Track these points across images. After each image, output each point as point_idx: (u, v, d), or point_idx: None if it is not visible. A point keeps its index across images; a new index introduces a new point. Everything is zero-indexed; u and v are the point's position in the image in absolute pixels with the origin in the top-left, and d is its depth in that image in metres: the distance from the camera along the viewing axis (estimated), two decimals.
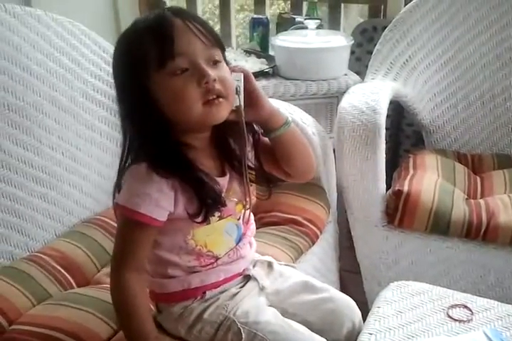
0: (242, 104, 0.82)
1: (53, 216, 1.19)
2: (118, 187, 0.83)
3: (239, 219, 0.91)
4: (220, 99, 0.78)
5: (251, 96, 0.83)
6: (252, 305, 0.89)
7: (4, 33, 1.13)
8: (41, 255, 1.10)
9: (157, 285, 0.88)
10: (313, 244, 1.25)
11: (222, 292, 0.89)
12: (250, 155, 0.90)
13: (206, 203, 0.81)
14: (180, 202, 0.80)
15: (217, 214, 0.84)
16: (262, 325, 0.86)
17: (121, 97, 0.81)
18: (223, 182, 0.86)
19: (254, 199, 0.92)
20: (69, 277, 1.08)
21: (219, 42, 0.80)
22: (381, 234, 1.38)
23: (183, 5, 2.20)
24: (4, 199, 1.10)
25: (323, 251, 1.34)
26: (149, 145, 0.79)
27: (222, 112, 0.79)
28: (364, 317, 0.98)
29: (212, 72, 0.77)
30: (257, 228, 1.21)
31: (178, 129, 0.81)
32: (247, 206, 0.89)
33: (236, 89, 0.81)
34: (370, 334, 0.91)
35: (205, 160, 0.84)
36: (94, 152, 1.30)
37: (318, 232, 1.26)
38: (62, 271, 1.08)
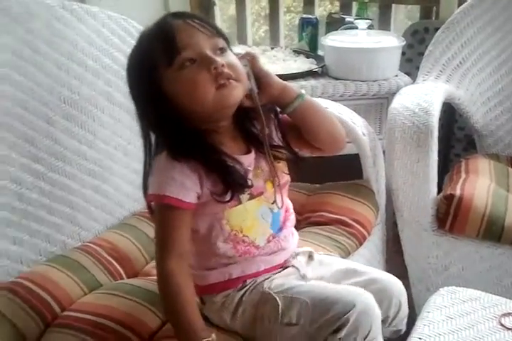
0: (255, 87, 0.85)
1: (105, 208, 1.22)
2: (145, 184, 0.87)
3: (273, 203, 0.91)
4: (231, 81, 0.81)
5: (259, 77, 0.86)
6: (287, 279, 0.90)
7: (62, 29, 1.16)
8: (93, 245, 1.12)
9: (199, 278, 0.88)
10: (361, 245, 1.23)
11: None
12: (275, 134, 0.93)
13: (230, 184, 0.83)
14: (205, 183, 0.83)
15: (246, 191, 0.86)
16: (296, 288, 0.86)
17: (137, 101, 0.86)
18: (249, 159, 0.88)
19: (285, 177, 0.93)
20: (119, 268, 1.10)
21: (221, 33, 0.84)
22: (431, 239, 1.34)
23: (233, 6, 2.22)
24: (59, 190, 1.12)
25: (370, 253, 1.32)
26: (167, 135, 0.83)
27: (235, 93, 0.82)
28: (410, 321, 0.96)
29: (219, 59, 0.80)
30: (302, 227, 1.22)
31: (199, 121, 0.84)
32: (277, 183, 0.90)
33: (246, 74, 0.84)
34: (420, 339, 0.90)
35: (228, 143, 0.87)
36: None
37: (365, 234, 1.24)
38: (113, 261, 1.10)
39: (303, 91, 0.90)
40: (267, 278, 0.90)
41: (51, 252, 1.10)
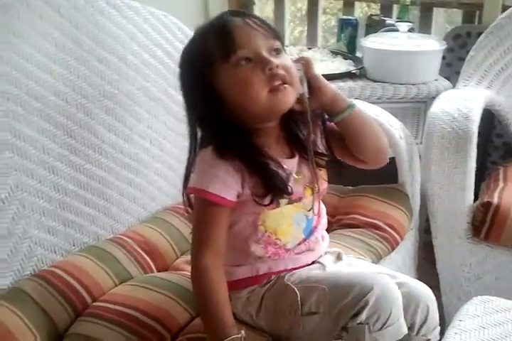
0: (306, 92, 0.84)
1: (138, 201, 1.22)
2: (187, 176, 0.88)
3: (309, 210, 0.90)
4: (286, 85, 0.80)
5: (312, 83, 0.85)
6: (308, 272, 0.89)
7: (104, 23, 1.17)
8: (125, 238, 1.13)
9: (227, 273, 0.88)
10: (393, 250, 1.21)
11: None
12: (320, 141, 0.92)
13: (271, 188, 0.83)
14: (247, 183, 0.83)
15: (286, 197, 0.85)
16: (314, 277, 0.86)
17: (187, 95, 0.86)
18: (292, 163, 0.88)
19: (324, 184, 0.92)
20: (150, 261, 1.11)
21: (277, 35, 0.84)
22: (465, 247, 1.32)
23: (271, 6, 2.22)
24: (94, 182, 1.13)
25: (402, 259, 1.30)
26: (215, 132, 0.83)
27: (288, 98, 0.82)
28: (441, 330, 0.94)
29: (274, 60, 0.80)
30: (334, 229, 1.21)
31: (247, 120, 0.84)
32: (316, 190, 0.90)
33: (299, 78, 0.83)
34: None
35: (273, 145, 0.87)
36: (180, 143, 1.31)
37: (398, 239, 1.22)
38: (144, 254, 1.11)
39: (354, 101, 0.89)
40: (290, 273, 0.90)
41: (84, 243, 1.11)
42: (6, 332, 0.87)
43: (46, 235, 1.05)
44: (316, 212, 0.91)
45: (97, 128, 1.14)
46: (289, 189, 0.84)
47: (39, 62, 1.04)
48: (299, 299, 0.84)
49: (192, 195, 0.88)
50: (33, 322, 0.91)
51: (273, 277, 0.89)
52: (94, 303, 0.96)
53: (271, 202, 0.84)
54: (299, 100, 0.84)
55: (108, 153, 1.16)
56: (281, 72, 0.80)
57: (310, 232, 0.91)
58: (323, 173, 0.92)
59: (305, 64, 0.85)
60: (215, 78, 0.81)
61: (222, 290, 0.82)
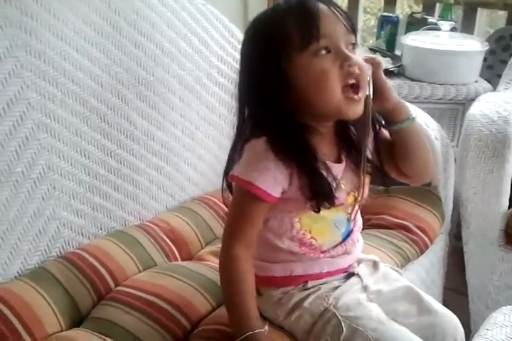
0: (371, 94, 0.80)
1: (167, 190, 1.22)
2: (231, 161, 0.83)
3: (350, 214, 0.88)
4: (359, 95, 0.77)
5: (378, 86, 0.81)
6: (354, 299, 0.86)
7: (143, 9, 1.16)
8: (152, 225, 1.13)
9: (260, 269, 0.86)
10: (422, 253, 1.18)
11: (323, 283, 0.87)
12: (370, 146, 0.88)
13: (317, 195, 0.80)
14: (294, 182, 0.80)
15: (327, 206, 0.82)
16: (364, 320, 0.82)
17: (250, 77, 0.81)
18: (339, 169, 0.84)
19: (366, 192, 0.89)
20: (174, 249, 1.10)
21: (355, 30, 0.80)
22: (497, 254, 1.28)
23: None
24: (124, 167, 1.13)
25: (431, 263, 1.27)
26: (274, 123, 0.79)
27: (360, 108, 0.79)
28: (466, 338, 0.92)
29: (353, 56, 0.76)
30: (363, 229, 1.18)
31: (307, 115, 0.80)
32: (359, 199, 0.86)
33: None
34: None
35: (324, 147, 0.83)
36: (211, 133, 1.31)
37: (428, 242, 1.19)
38: (169, 242, 1.10)
39: (414, 114, 0.86)
40: (332, 288, 0.86)
41: (111, 227, 1.11)
42: (31, 312, 0.88)
43: (74, 217, 1.05)
44: (353, 216, 0.89)
45: (130, 114, 1.14)
46: (335, 199, 0.81)
47: (76, 44, 1.04)
48: (342, 336, 0.81)
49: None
50: (56, 303, 0.92)
51: (310, 284, 0.86)
52: (116, 288, 0.96)
53: (314, 207, 0.81)
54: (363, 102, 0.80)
55: (140, 139, 1.16)
56: (357, 71, 0.76)
57: (347, 234, 0.89)
58: (367, 180, 0.88)
59: (375, 65, 0.80)
60: (289, 64, 0.76)
61: (250, 281, 0.81)
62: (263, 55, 0.78)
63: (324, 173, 0.80)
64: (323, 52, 0.76)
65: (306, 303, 0.85)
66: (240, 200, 0.81)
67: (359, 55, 0.79)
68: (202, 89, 1.29)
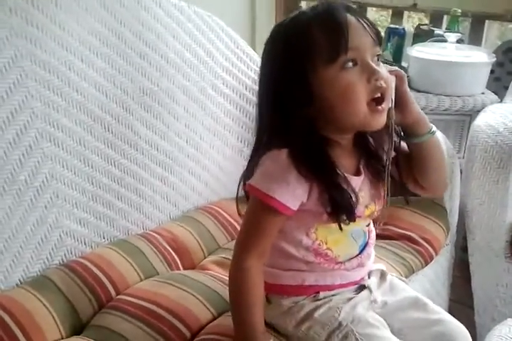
0: (393, 107, 0.79)
1: (170, 199, 1.22)
2: (250, 170, 0.81)
3: (368, 225, 0.88)
4: (383, 106, 0.76)
5: (401, 98, 0.80)
6: (368, 317, 0.85)
7: (149, 20, 1.18)
8: (155, 234, 1.13)
9: (271, 276, 0.85)
10: (426, 264, 1.17)
11: (335, 294, 0.86)
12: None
13: (338, 212, 0.78)
14: (313, 195, 0.78)
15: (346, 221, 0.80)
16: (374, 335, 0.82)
17: (274, 87, 0.79)
18: (358, 181, 0.83)
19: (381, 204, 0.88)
20: (177, 259, 1.10)
21: (381, 41, 0.78)
22: (502, 266, 1.26)
23: None
24: (128, 177, 1.14)
25: (435, 275, 1.26)
26: (294, 134, 0.77)
27: (384, 119, 0.78)
28: None
29: (380, 70, 0.75)
30: None
31: (328, 126, 0.79)
32: (377, 212, 0.86)
33: None
34: None
35: (344, 159, 0.82)
36: (216, 144, 1.32)
37: (433, 253, 1.18)
38: (172, 252, 1.11)
39: (434, 128, 0.85)
40: (344, 300, 0.85)
41: (114, 236, 1.12)
42: (31, 320, 0.88)
43: (77, 226, 1.06)
44: (370, 228, 0.89)
45: (134, 124, 1.15)
46: (355, 216, 0.80)
47: (81, 54, 1.05)
48: None
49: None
50: (57, 311, 0.92)
51: (321, 295, 0.85)
52: (117, 296, 0.97)
53: (333, 221, 0.80)
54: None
55: (144, 149, 1.17)
56: (384, 84, 0.75)
57: (363, 247, 0.88)
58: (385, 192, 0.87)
59: (399, 78, 0.79)
60: (314, 76, 0.75)
61: (260, 294, 0.80)
62: (287, 64, 0.76)
63: (345, 187, 0.78)
64: (350, 64, 0.74)
65: (316, 314, 0.84)
66: (256, 211, 0.79)
67: (384, 67, 0.78)
68: (207, 99, 1.30)
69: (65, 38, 1.03)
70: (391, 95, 0.77)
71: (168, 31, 1.22)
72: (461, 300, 1.42)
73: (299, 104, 0.76)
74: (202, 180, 1.30)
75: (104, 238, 1.10)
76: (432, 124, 0.85)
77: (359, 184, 0.82)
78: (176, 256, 1.10)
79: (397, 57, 1.77)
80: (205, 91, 1.29)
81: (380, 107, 0.76)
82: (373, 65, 0.75)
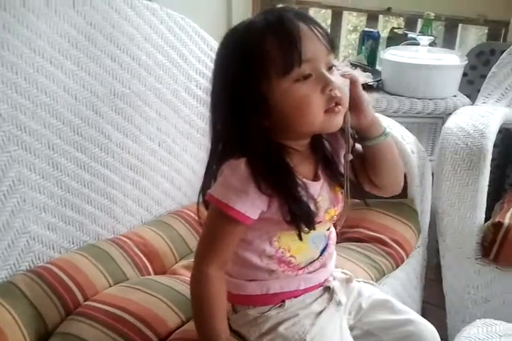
0: (348, 111, 0.79)
1: (142, 203, 1.21)
2: (208, 179, 0.81)
3: (328, 230, 0.88)
4: (340, 107, 0.76)
5: (355, 102, 0.80)
6: (332, 333, 0.85)
7: (120, 22, 1.17)
8: (125, 239, 1.12)
9: (234, 286, 0.85)
10: (397, 267, 1.18)
11: (302, 307, 0.85)
12: (342, 160, 0.87)
13: (297, 221, 0.78)
14: (273, 204, 0.78)
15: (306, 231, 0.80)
16: None
17: (228, 99, 0.77)
18: (317, 186, 0.82)
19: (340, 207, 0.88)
20: (147, 263, 1.10)
21: (335, 48, 0.77)
22: (473, 268, 1.28)
23: None
24: (99, 180, 1.12)
25: (407, 277, 1.26)
26: (251, 144, 0.76)
27: (341, 120, 0.78)
28: None
29: (334, 79, 0.75)
30: (338, 242, 1.17)
31: (284, 134, 0.79)
32: (337, 215, 0.86)
33: None
34: None
35: (302, 165, 0.82)
36: (189, 147, 1.31)
37: (404, 255, 1.19)
38: (142, 257, 1.10)
39: (388, 129, 0.85)
40: (310, 314, 0.85)
41: (84, 241, 1.11)
42: None
43: (45, 231, 1.04)
44: (330, 231, 0.89)
45: (104, 127, 1.14)
46: (314, 224, 0.80)
47: (50, 56, 1.04)
48: None
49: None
50: (22, 318, 0.90)
51: (287, 303, 0.84)
52: (85, 303, 0.95)
53: (293, 229, 0.79)
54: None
55: (114, 152, 1.16)
56: (338, 94, 0.75)
57: (324, 249, 0.88)
58: (343, 195, 0.87)
59: (353, 82, 0.79)
60: (269, 87, 0.74)
61: (222, 302, 0.79)
62: (240, 76, 0.75)
63: (303, 194, 0.78)
64: (303, 78, 0.73)
65: (281, 328, 0.83)
66: (216, 221, 0.79)
67: (337, 72, 0.78)
68: (179, 102, 1.29)
69: (34, 40, 1.02)
70: (346, 100, 0.78)
71: (139, 33, 1.21)
72: (437, 303, 1.43)
73: (255, 114, 0.75)
74: (175, 183, 1.29)
75: (73, 243, 1.09)
76: (385, 126, 0.85)
77: (318, 189, 0.82)
78: (146, 261, 1.09)
79: (371, 61, 1.78)
80: (178, 93, 1.29)
81: (336, 108, 0.76)
82: (327, 75, 0.74)
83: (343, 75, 0.79)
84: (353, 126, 0.82)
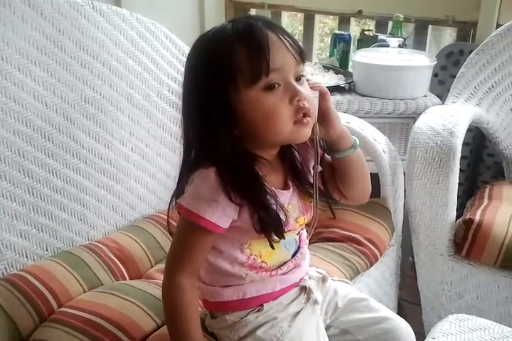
0: (317, 123, 0.80)
1: (116, 209, 1.22)
2: (180, 188, 0.80)
3: (298, 234, 0.89)
4: (308, 118, 0.76)
5: (324, 115, 0.81)
6: (309, 333, 0.86)
7: (89, 28, 1.17)
8: (100, 244, 1.12)
9: (210, 294, 0.85)
10: (371, 265, 1.20)
11: (280, 310, 0.86)
12: (311, 170, 0.87)
13: (267, 230, 0.79)
14: (244, 213, 0.78)
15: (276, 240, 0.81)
16: None
17: (197, 107, 0.77)
18: (287, 195, 0.83)
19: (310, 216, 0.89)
20: (123, 269, 1.09)
21: (304, 58, 0.78)
22: (446, 264, 1.30)
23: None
24: (71, 187, 1.12)
25: (382, 275, 1.28)
26: (220, 153, 0.76)
27: (309, 131, 0.78)
28: None
29: (302, 90, 0.75)
30: (313, 242, 1.19)
31: (253, 143, 0.79)
32: (306, 222, 0.87)
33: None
34: None
35: (272, 175, 0.82)
36: (162, 151, 1.31)
37: (378, 254, 1.20)
38: (117, 262, 1.09)
39: (357, 141, 0.86)
40: (287, 316, 0.86)
41: (58, 248, 1.10)
42: None
43: (18, 239, 1.04)
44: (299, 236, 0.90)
45: (76, 133, 1.14)
46: (284, 233, 0.80)
47: (18, 63, 1.04)
48: None
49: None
50: None
51: (265, 307, 0.85)
52: (59, 309, 0.95)
53: (266, 238, 0.80)
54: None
55: (87, 158, 1.16)
56: (307, 104, 0.75)
57: (296, 251, 0.89)
58: (312, 204, 0.87)
59: (322, 94, 0.80)
60: (237, 96, 0.74)
61: (194, 310, 0.79)
62: (208, 84, 0.75)
63: (273, 203, 0.79)
64: (271, 87, 0.74)
65: (259, 331, 0.84)
66: (186, 230, 0.78)
67: (306, 85, 0.78)
68: (152, 107, 1.30)
69: (1, 47, 1.02)
70: (315, 111, 0.78)
71: (109, 39, 1.21)
72: (415, 301, 1.45)
73: (223, 123, 0.75)
74: (149, 188, 1.29)
75: (47, 250, 1.08)
76: (354, 138, 0.86)
77: (288, 198, 0.83)
78: (121, 266, 1.09)
79: (343, 63, 1.80)
80: (149, 98, 1.29)
81: (305, 120, 0.76)
82: (296, 85, 0.75)
83: (312, 87, 0.79)
84: (322, 138, 0.83)
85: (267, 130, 0.76)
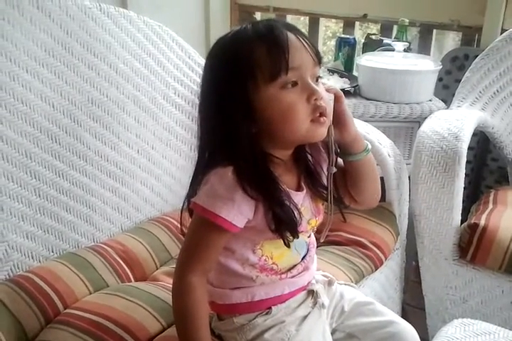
0: (332, 125, 0.81)
1: (122, 211, 1.22)
2: (194, 188, 0.80)
3: (309, 237, 0.90)
4: (324, 118, 0.77)
5: (339, 118, 0.82)
6: (316, 337, 0.86)
7: (97, 30, 1.17)
8: (105, 246, 1.12)
9: (219, 296, 0.85)
10: (376, 269, 1.20)
11: (288, 313, 0.86)
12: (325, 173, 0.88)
13: (282, 229, 0.79)
14: (259, 212, 0.78)
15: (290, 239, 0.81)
16: None
17: (216, 103, 0.78)
18: (300, 197, 0.84)
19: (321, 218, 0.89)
20: (128, 270, 1.09)
21: (321, 60, 0.79)
22: (451, 268, 1.30)
23: None
24: (77, 188, 1.12)
25: (387, 279, 1.28)
26: (238, 150, 0.76)
27: (325, 131, 0.79)
28: None
29: (320, 90, 0.76)
30: (319, 246, 1.19)
31: (270, 143, 0.80)
32: (318, 225, 0.88)
33: None
34: None
35: (286, 175, 0.83)
36: (168, 153, 1.32)
37: (383, 258, 1.21)
38: (123, 264, 1.10)
39: (369, 145, 0.87)
40: (295, 319, 0.86)
41: (63, 249, 1.10)
42: None
43: (24, 240, 1.04)
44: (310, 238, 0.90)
45: (83, 135, 1.14)
46: (298, 233, 0.81)
47: (27, 65, 1.04)
48: None
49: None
50: (2, 327, 0.90)
51: (274, 310, 0.85)
52: (65, 310, 0.95)
53: (278, 238, 0.80)
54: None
55: (93, 160, 1.16)
56: (323, 104, 0.76)
57: (306, 254, 0.90)
58: (323, 207, 0.89)
59: (337, 97, 0.80)
60: (255, 94, 0.75)
61: (205, 310, 0.79)
62: (228, 82, 0.76)
63: (287, 204, 0.79)
64: (290, 85, 0.75)
65: (267, 335, 0.84)
66: (200, 228, 0.78)
67: (322, 86, 0.79)
68: (158, 109, 1.30)
69: (9, 49, 1.02)
70: (330, 113, 0.79)
71: (117, 41, 1.22)
72: (419, 305, 1.45)
73: (242, 121, 0.76)
74: (155, 190, 1.29)
75: (52, 251, 1.08)
76: (367, 142, 0.87)
77: (301, 199, 0.84)
78: (127, 268, 1.09)
79: (348, 67, 1.81)
80: (156, 101, 1.29)
81: (321, 119, 0.77)
82: (313, 84, 0.76)
83: (328, 90, 0.80)
84: (335, 141, 0.83)
85: (284, 127, 0.77)
